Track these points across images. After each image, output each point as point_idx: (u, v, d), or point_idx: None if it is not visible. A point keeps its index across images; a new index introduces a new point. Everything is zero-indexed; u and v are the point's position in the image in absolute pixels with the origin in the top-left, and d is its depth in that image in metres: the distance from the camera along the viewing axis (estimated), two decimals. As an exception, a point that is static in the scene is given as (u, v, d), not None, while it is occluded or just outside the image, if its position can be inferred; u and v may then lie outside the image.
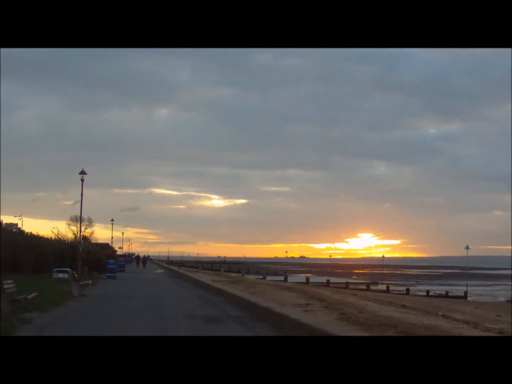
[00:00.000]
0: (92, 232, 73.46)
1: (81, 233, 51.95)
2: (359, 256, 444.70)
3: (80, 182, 40.00)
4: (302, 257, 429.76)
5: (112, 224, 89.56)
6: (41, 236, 49.83)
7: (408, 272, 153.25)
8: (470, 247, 70.70)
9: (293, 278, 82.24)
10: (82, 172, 40.04)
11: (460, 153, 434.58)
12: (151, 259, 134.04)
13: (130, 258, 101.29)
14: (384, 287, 71.18)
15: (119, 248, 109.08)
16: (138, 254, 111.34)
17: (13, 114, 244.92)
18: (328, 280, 74.41)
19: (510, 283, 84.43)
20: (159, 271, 69.26)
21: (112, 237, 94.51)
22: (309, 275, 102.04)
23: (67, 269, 34.71)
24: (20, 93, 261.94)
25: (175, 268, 74.40)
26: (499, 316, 30.18)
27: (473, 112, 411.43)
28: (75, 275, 32.33)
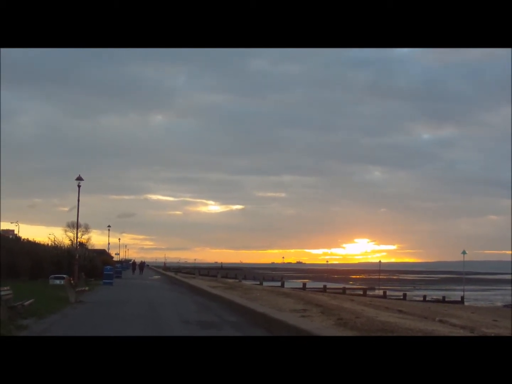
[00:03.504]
0: (88, 238, 73.12)
1: (78, 240, 51.82)
2: (356, 262, 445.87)
3: (77, 188, 39.96)
4: (299, 263, 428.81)
5: (109, 230, 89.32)
6: (38, 243, 49.83)
7: (405, 277, 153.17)
8: (466, 252, 70.79)
9: (290, 284, 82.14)
10: (79, 178, 39.96)
11: (454, 158, 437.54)
12: (148, 265, 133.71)
13: (127, 264, 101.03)
14: (381, 292, 71.17)
15: (115, 254, 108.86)
16: (134, 260, 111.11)
17: (10, 119, 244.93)
18: (325, 286, 74.30)
19: (507, 287, 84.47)
20: (156, 277, 69.12)
21: (108, 243, 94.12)
22: (306, 280, 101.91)
23: (64, 275, 34.67)
24: (17, 99, 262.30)
25: (172, 274, 74.20)
26: (496, 321, 30.18)
27: (467, 116, 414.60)
28: (72, 282, 32.20)
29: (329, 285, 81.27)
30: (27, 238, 51.50)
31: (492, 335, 15.95)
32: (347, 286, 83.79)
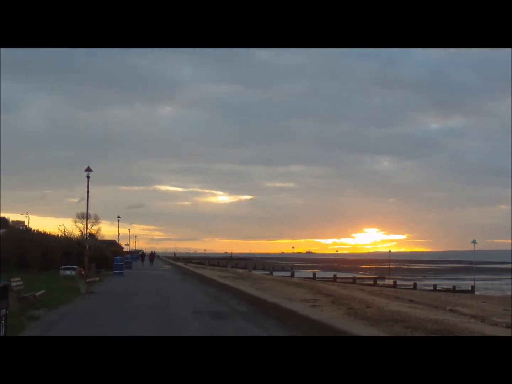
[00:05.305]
0: (98, 229, 73.39)
1: (88, 230, 52.03)
2: (366, 251, 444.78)
3: (86, 179, 40.06)
4: (308, 253, 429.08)
5: (119, 221, 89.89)
6: (48, 234, 50.10)
7: (415, 267, 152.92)
8: (476, 241, 70.51)
9: (300, 274, 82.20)
10: (88, 169, 40.05)
11: (463, 148, 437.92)
12: (158, 255, 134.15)
13: (137, 255, 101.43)
14: (391, 282, 71.10)
15: (125, 245, 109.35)
16: (143, 251, 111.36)
17: (18, 112, 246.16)
18: (335, 275, 74.38)
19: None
20: (166, 267, 69.33)
21: (118, 234, 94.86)
22: (316, 270, 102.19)
23: (74, 266, 34.82)
24: (25, 92, 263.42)
25: (182, 264, 74.44)
26: (506, 310, 30.09)
27: (475, 106, 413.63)
28: (82, 272, 32.43)
29: (339, 274, 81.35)
30: (37, 229, 51.95)
31: (503, 324, 15.90)
32: (357, 275, 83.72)
